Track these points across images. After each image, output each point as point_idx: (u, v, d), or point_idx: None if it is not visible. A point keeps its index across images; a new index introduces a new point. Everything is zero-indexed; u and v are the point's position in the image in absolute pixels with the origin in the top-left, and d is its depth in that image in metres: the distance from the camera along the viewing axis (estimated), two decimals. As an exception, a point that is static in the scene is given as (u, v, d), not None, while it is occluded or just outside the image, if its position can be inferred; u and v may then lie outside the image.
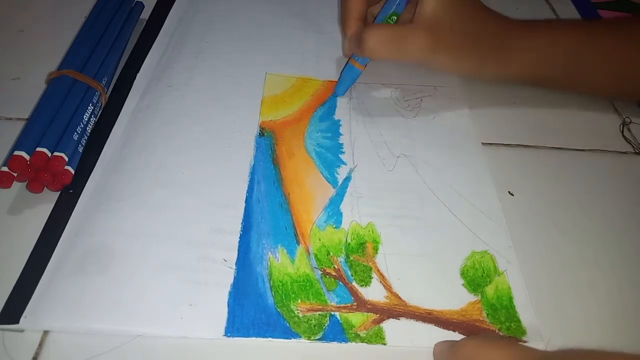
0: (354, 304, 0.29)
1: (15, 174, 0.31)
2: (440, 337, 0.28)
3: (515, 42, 0.38)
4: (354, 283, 0.30)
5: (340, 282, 0.30)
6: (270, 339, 0.27)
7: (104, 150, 0.36)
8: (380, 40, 0.36)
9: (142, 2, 0.47)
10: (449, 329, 0.28)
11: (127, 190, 0.33)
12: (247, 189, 0.34)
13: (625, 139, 0.39)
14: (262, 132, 0.37)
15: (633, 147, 0.39)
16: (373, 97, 0.41)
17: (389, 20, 0.38)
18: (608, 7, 0.54)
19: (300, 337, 0.27)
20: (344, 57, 0.43)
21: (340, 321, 0.28)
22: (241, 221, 0.32)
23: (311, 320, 0.28)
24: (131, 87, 0.40)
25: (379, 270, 0.30)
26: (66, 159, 0.32)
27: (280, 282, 0.29)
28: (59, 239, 0.30)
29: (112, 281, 0.28)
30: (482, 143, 0.38)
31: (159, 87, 0.40)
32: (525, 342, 0.28)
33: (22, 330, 0.27)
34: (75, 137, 0.34)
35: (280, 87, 0.41)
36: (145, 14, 0.47)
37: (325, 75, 0.42)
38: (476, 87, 0.43)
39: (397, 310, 0.29)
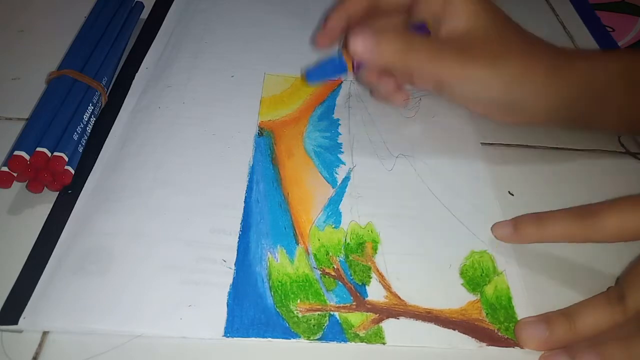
0: (354, 303, 0.29)
1: (15, 174, 0.31)
2: (440, 336, 0.28)
3: (574, 56, 0.31)
4: (353, 283, 0.30)
5: (340, 282, 0.30)
6: (269, 339, 0.27)
7: (102, 150, 0.36)
8: (397, 47, 0.31)
9: (142, 2, 0.47)
10: (448, 328, 0.28)
11: (126, 190, 0.33)
12: (246, 189, 0.34)
13: (622, 144, 0.39)
14: (261, 132, 0.37)
15: (627, 151, 0.39)
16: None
17: None
18: (606, 8, 0.54)
19: (299, 337, 0.27)
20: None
21: (340, 321, 0.28)
22: (240, 221, 0.32)
23: (310, 320, 0.28)
24: (130, 87, 0.40)
25: (378, 270, 0.30)
26: (66, 159, 0.32)
27: (279, 282, 0.29)
28: (58, 239, 0.30)
29: (112, 281, 0.28)
30: (481, 143, 0.38)
31: (158, 87, 0.40)
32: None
33: (21, 331, 0.27)
34: (75, 137, 0.34)
35: (279, 87, 0.41)
36: (145, 14, 0.47)
37: (324, 74, 0.42)
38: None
39: (397, 309, 0.29)
